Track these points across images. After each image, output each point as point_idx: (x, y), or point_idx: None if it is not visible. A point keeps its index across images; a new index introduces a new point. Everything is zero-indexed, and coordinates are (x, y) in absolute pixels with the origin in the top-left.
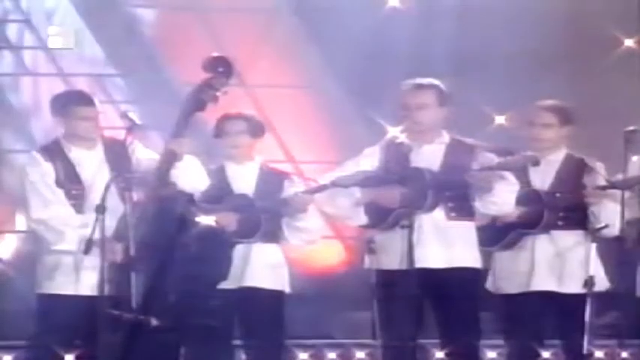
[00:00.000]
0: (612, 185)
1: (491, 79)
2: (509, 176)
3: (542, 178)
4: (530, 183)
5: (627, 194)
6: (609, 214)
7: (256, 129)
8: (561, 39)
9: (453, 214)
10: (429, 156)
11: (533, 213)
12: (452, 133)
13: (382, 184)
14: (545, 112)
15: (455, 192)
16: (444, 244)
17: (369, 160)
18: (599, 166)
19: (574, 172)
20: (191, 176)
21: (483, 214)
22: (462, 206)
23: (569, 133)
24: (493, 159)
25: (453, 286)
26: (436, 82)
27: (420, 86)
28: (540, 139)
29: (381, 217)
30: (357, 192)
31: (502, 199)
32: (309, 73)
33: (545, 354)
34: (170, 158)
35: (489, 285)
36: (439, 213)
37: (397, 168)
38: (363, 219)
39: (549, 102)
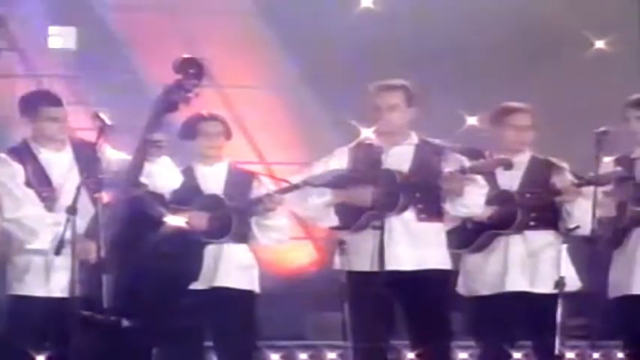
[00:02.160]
0: (587, 181)
1: (463, 80)
2: (479, 179)
3: (510, 180)
4: (498, 185)
5: (601, 195)
6: (582, 214)
7: (228, 130)
8: (532, 40)
9: (423, 216)
10: (398, 157)
11: (505, 214)
12: (420, 134)
13: (353, 185)
14: (526, 115)
15: (425, 193)
16: (415, 245)
17: (338, 160)
18: (565, 166)
19: (541, 172)
20: (163, 175)
21: (453, 216)
22: (431, 208)
23: (535, 136)
24: (462, 160)
25: (424, 288)
26: (404, 82)
27: (390, 87)
28: (522, 142)
29: (352, 219)
30: (327, 193)
31: (472, 201)
32: (280, 75)
33: (517, 355)
34: (143, 157)
35: (460, 287)
36: (409, 214)
37: (368, 169)
38: (333, 220)
39: (524, 105)
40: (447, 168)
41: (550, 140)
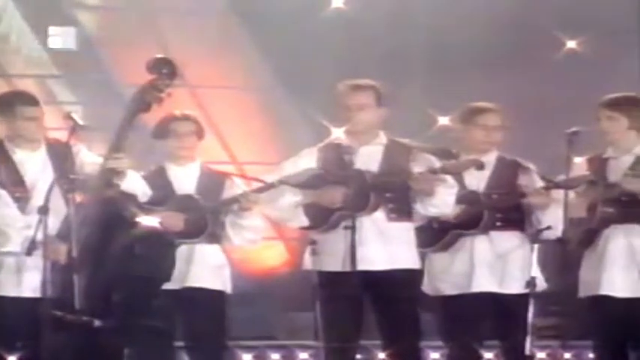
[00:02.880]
0: (556, 185)
1: (435, 80)
2: (449, 179)
3: (477, 180)
4: (465, 185)
5: (572, 195)
6: (552, 216)
7: (201, 130)
8: (504, 40)
9: (393, 216)
10: (367, 157)
11: (472, 214)
12: (389, 133)
13: (329, 184)
14: (496, 115)
15: (395, 193)
16: (385, 245)
17: (307, 160)
18: (532, 167)
19: (508, 172)
20: (131, 189)
21: (423, 215)
22: (401, 207)
23: (503, 135)
24: (431, 160)
25: (394, 288)
26: (373, 82)
27: (360, 87)
28: (491, 142)
29: (322, 219)
30: (297, 193)
31: (442, 201)
32: (253, 75)
33: (488, 355)
34: (112, 175)
35: (426, 287)
36: (379, 214)
37: (337, 169)
38: (303, 221)
39: (493, 104)
40: (417, 168)
41: (522, 140)
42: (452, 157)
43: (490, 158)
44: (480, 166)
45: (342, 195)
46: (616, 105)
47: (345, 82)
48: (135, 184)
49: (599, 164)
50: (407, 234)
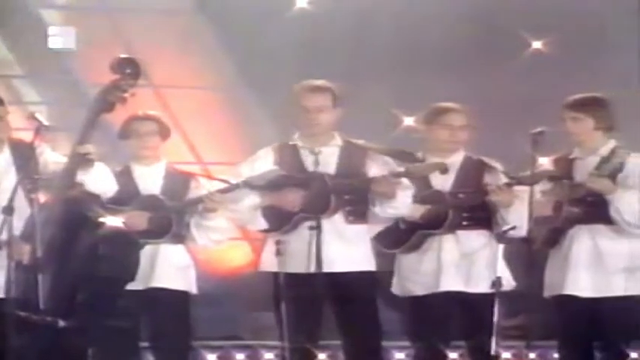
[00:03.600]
0: (518, 181)
1: (400, 80)
2: (405, 180)
3: (443, 180)
4: (430, 185)
5: (538, 195)
6: (517, 215)
7: (164, 130)
8: (470, 40)
9: (351, 218)
10: (324, 159)
11: (437, 213)
12: (344, 135)
13: (289, 186)
14: (460, 114)
15: (353, 196)
16: (344, 247)
17: (263, 161)
18: (498, 166)
19: (474, 172)
20: (97, 183)
21: (382, 217)
22: (359, 209)
23: (471, 136)
24: (388, 162)
25: (352, 289)
26: (329, 84)
27: (317, 88)
28: (456, 141)
29: (281, 221)
30: (255, 196)
31: (401, 202)
32: (218, 74)
33: (453, 355)
34: (80, 161)
35: (395, 287)
36: (338, 216)
37: (293, 171)
38: (261, 223)
39: (457, 105)
40: (373, 169)
41: (487, 140)
42: (410, 158)
43: (457, 158)
44: (444, 170)
45: (302, 198)
46: (581, 106)
47: (302, 83)
48: (102, 175)
49: (565, 165)
50: (364, 236)
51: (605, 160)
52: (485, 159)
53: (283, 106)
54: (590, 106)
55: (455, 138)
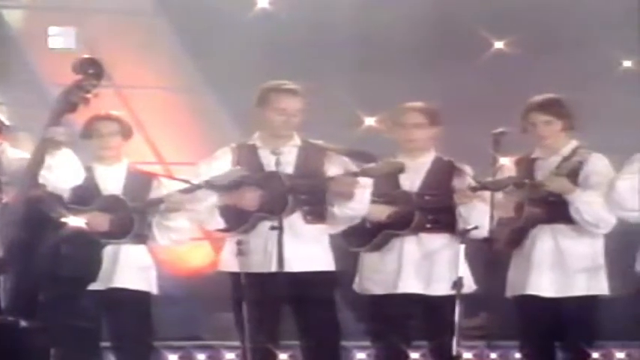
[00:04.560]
0: (483, 186)
1: (361, 80)
2: (364, 179)
3: (412, 181)
4: (399, 185)
5: (500, 195)
6: (479, 216)
7: (126, 130)
8: (432, 40)
9: (309, 218)
10: (283, 159)
11: (403, 214)
12: (303, 135)
13: (247, 186)
14: (415, 113)
15: (311, 196)
16: (302, 247)
17: (222, 161)
18: (468, 169)
19: (443, 174)
20: (64, 170)
21: (340, 217)
22: (317, 210)
23: (437, 135)
24: (346, 162)
25: (311, 289)
26: (298, 86)
27: (292, 91)
28: (412, 140)
29: (239, 221)
30: (212, 195)
31: (359, 202)
32: (179, 74)
33: (415, 355)
34: (48, 145)
35: (356, 285)
36: (296, 216)
37: (251, 170)
38: (219, 222)
39: (418, 103)
40: (332, 169)
41: (449, 140)
42: (369, 158)
43: (427, 159)
44: (401, 170)
45: (259, 197)
46: (550, 108)
47: (275, 84)
48: (68, 162)
49: (526, 165)
50: (322, 236)
51: (566, 160)
52: (456, 161)
53: (245, 105)
54: (558, 107)
55: (410, 137)
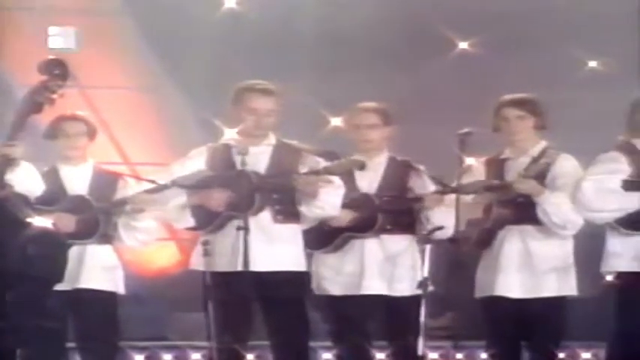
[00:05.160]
0: (453, 190)
1: (329, 80)
2: (336, 179)
3: (369, 182)
4: (356, 186)
5: (469, 197)
6: (443, 216)
7: (92, 131)
8: (398, 40)
9: (279, 217)
10: (256, 158)
11: (365, 217)
12: (278, 134)
13: (216, 185)
14: (368, 113)
15: (281, 195)
16: (270, 246)
17: (196, 161)
18: (423, 169)
19: (399, 174)
20: (23, 183)
21: (309, 217)
22: (288, 209)
23: (391, 135)
24: (320, 162)
25: (279, 289)
26: (274, 86)
27: (265, 91)
28: (367, 140)
29: (208, 220)
30: (183, 194)
31: (328, 202)
32: (145, 75)
33: (380, 355)
34: (5, 162)
35: (314, 287)
36: (266, 216)
37: (224, 170)
38: (189, 221)
39: (371, 104)
40: (304, 170)
41: (415, 140)
42: (336, 158)
43: (381, 159)
44: (362, 167)
45: (227, 196)
46: (523, 104)
47: (250, 84)
48: (28, 175)
49: (496, 165)
50: (293, 236)
51: (535, 161)
52: (410, 161)
53: (211, 105)
54: (531, 104)
55: (365, 137)
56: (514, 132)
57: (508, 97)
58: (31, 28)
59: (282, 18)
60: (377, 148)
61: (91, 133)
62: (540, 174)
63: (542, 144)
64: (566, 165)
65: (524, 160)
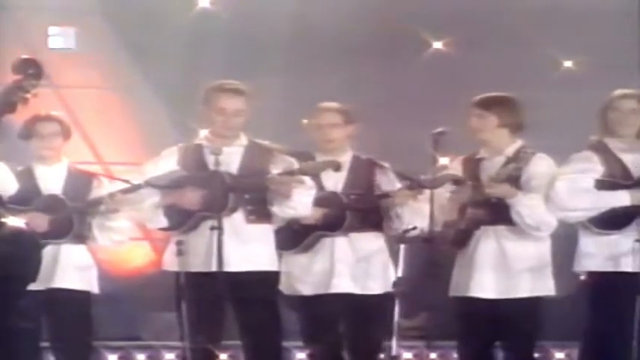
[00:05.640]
0: (420, 184)
1: (301, 80)
2: (307, 180)
3: (335, 181)
4: (323, 186)
5: (445, 197)
6: (417, 216)
7: (66, 131)
8: (371, 40)
9: (252, 217)
10: (228, 158)
11: (334, 215)
12: (250, 135)
13: (189, 185)
14: (329, 113)
15: (254, 195)
16: (243, 246)
17: (168, 161)
18: (388, 166)
19: (364, 172)
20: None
21: (281, 217)
22: (261, 209)
23: (353, 133)
24: (292, 162)
25: (252, 289)
26: (244, 86)
27: (234, 91)
28: (329, 140)
29: (181, 220)
30: (156, 194)
31: (300, 202)
32: (119, 74)
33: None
34: None
35: (282, 286)
36: (238, 216)
37: (196, 170)
38: (162, 221)
39: (332, 103)
40: (276, 170)
41: (389, 140)
42: (309, 158)
43: (345, 158)
44: (337, 167)
45: (200, 197)
46: (485, 104)
47: (219, 83)
48: (1, 174)
49: (472, 165)
50: (266, 236)
51: (510, 161)
52: (374, 158)
53: (184, 105)
54: (494, 104)
55: (326, 137)
56: (475, 130)
57: (477, 96)
58: (3, 27)
59: (256, 18)
60: (339, 147)
61: (66, 134)
62: (514, 175)
63: (518, 143)
64: (540, 165)
65: (500, 160)
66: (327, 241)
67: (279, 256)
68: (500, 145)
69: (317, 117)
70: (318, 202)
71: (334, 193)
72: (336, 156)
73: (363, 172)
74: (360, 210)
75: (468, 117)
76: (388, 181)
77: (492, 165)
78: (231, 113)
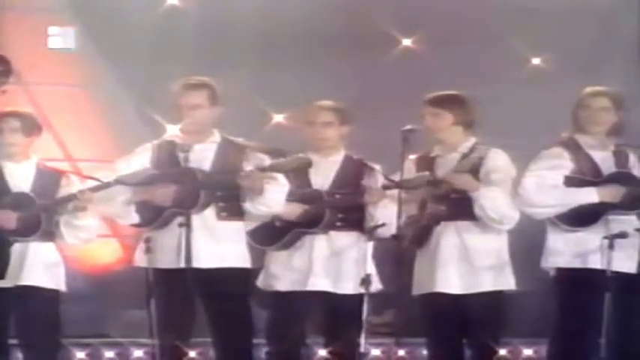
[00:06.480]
0: (397, 185)
1: (271, 77)
2: (280, 177)
3: (323, 179)
4: (310, 183)
5: (405, 193)
6: (386, 213)
7: (31, 127)
8: (340, 37)
9: (223, 214)
10: (200, 155)
11: (314, 213)
12: (223, 132)
13: (161, 182)
14: (325, 112)
15: (226, 192)
16: (214, 243)
17: (140, 158)
18: (378, 168)
19: (353, 173)
20: None
21: (254, 214)
22: (232, 206)
23: (347, 133)
24: (264, 160)
25: (222, 286)
26: (208, 81)
27: (194, 86)
28: (322, 139)
29: (154, 216)
30: (128, 190)
31: (273, 199)
32: (87, 71)
33: (322, 352)
34: None
35: (260, 282)
36: (210, 212)
37: (169, 167)
38: (134, 218)
39: (328, 102)
40: (249, 167)
41: (359, 138)
42: (283, 155)
43: (337, 157)
44: (308, 165)
45: (172, 193)
46: (439, 102)
47: (180, 80)
48: None
49: (426, 163)
50: (237, 233)
51: (465, 157)
52: (365, 160)
53: (154, 102)
54: (448, 102)
55: (320, 135)
56: (431, 129)
57: (431, 95)
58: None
59: (224, 14)
60: (332, 146)
61: (28, 130)
62: (473, 169)
63: (472, 140)
64: (498, 159)
65: (454, 157)
66: (307, 239)
67: (263, 253)
68: (455, 142)
69: (310, 114)
70: (300, 199)
71: (316, 191)
72: (328, 155)
73: (351, 172)
74: (340, 208)
75: (422, 115)
76: (375, 183)
77: (447, 162)
78: (190, 108)
